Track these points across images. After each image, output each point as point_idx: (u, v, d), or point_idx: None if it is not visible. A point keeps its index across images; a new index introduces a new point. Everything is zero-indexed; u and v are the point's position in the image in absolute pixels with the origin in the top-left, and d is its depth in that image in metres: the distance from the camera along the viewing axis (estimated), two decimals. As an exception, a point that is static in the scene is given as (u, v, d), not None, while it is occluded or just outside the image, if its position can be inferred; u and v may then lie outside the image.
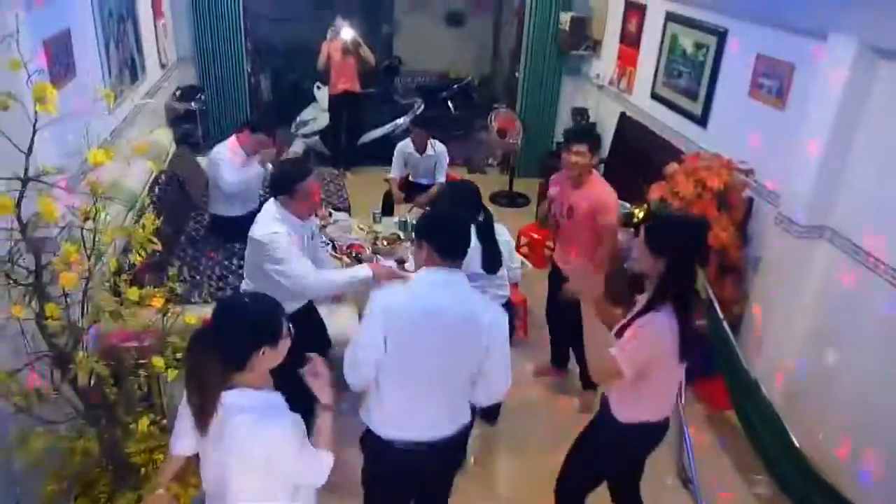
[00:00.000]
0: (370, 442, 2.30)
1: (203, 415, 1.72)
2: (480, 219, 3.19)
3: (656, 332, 2.21)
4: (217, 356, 1.70)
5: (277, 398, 1.83)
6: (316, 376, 1.93)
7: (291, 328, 1.84)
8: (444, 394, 2.23)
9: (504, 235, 3.34)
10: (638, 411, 2.41)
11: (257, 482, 1.78)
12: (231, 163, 4.30)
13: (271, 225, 2.82)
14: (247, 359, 1.73)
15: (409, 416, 2.22)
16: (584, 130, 3.62)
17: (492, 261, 3.16)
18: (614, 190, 3.49)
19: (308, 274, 2.84)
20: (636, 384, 2.29)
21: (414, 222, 4.69)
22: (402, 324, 2.10)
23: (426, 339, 2.12)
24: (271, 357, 1.77)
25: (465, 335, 2.14)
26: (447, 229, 2.22)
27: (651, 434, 2.48)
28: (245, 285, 3.13)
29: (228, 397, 1.72)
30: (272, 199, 2.93)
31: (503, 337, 2.19)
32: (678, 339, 2.21)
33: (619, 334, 2.27)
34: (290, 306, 3.01)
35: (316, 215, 3.41)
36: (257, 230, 2.84)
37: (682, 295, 2.22)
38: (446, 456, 2.38)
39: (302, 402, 1.92)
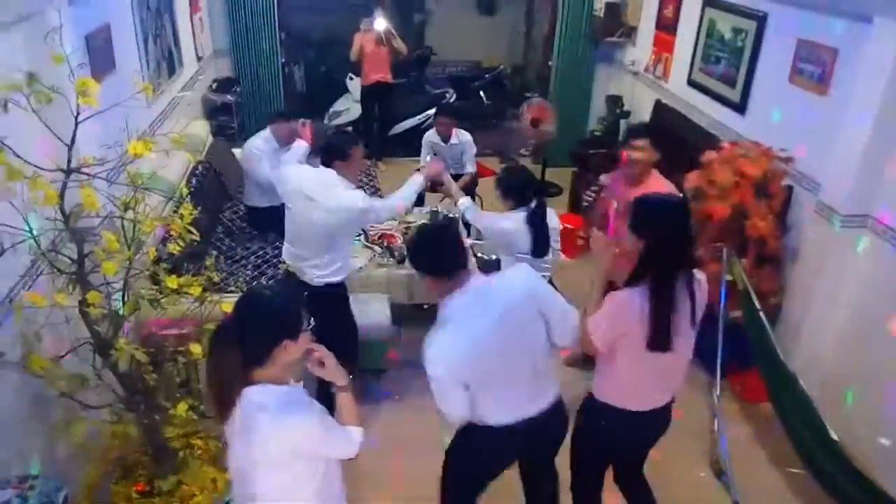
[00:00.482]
0: (474, 431, 2.29)
1: (222, 406, 1.74)
2: (533, 205, 3.27)
3: (621, 307, 2.20)
4: (238, 351, 1.70)
5: (298, 392, 1.83)
6: (322, 366, 1.92)
7: (312, 321, 1.83)
8: (531, 372, 2.23)
9: (553, 221, 3.39)
10: (605, 390, 2.39)
11: (281, 478, 1.79)
12: (265, 155, 4.38)
13: (349, 191, 3.13)
14: (268, 353, 1.72)
15: (517, 401, 2.24)
16: (644, 126, 3.53)
17: (540, 246, 3.26)
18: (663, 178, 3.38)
19: (384, 204, 3.43)
20: (602, 360, 2.34)
21: (446, 213, 4.70)
22: (470, 366, 2.10)
23: (493, 356, 2.12)
24: (293, 350, 1.76)
25: (519, 321, 2.16)
26: (428, 253, 2.20)
27: (623, 422, 2.38)
28: (307, 254, 3.25)
29: (250, 393, 1.73)
30: (324, 170, 3.14)
31: (543, 287, 2.25)
32: (647, 324, 2.15)
33: None
34: (340, 276, 3.31)
35: None
36: (349, 202, 3.09)
37: (661, 278, 2.16)
38: (553, 423, 2.37)
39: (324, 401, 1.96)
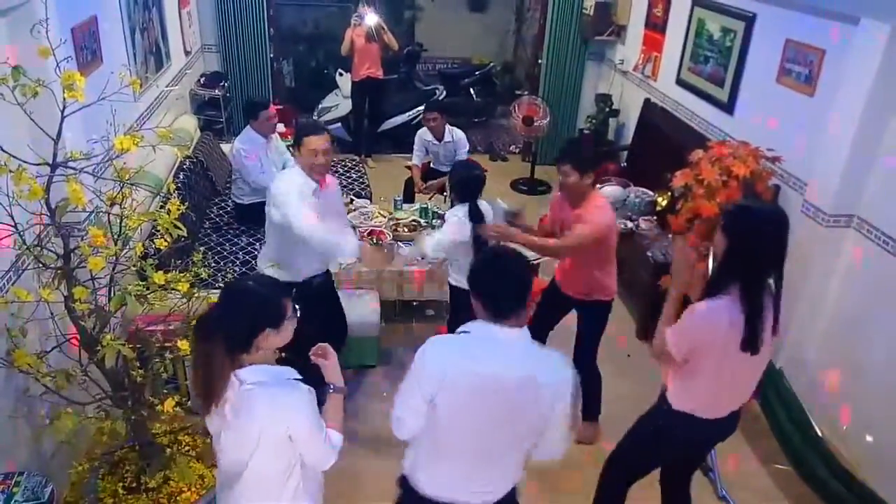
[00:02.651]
0: (410, 493, 2.09)
1: (209, 397, 1.74)
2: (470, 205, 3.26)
3: (709, 318, 2.15)
4: (222, 340, 1.73)
5: (289, 371, 1.86)
6: (326, 358, 1.95)
7: (297, 309, 1.86)
8: (502, 460, 2.01)
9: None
10: (685, 399, 2.36)
11: (275, 465, 1.81)
12: (255, 155, 4.38)
13: (286, 175, 3.10)
14: (250, 341, 1.76)
15: (461, 480, 2.01)
16: (570, 148, 3.39)
17: (479, 243, 3.22)
18: (606, 204, 3.18)
19: (305, 222, 2.93)
20: (683, 369, 2.27)
21: (435, 209, 4.70)
22: (457, 389, 1.87)
23: (483, 407, 1.88)
24: (276, 338, 1.80)
25: (523, 403, 1.89)
26: (492, 280, 1.91)
27: (699, 428, 2.37)
28: (264, 250, 3.29)
29: (242, 374, 1.76)
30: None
31: (565, 401, 1.93)
32: (739, 329, 2.12)
33: None
34: (311, 270, 3.21)
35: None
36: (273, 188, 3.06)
37: (749, 284, 2.13)
38: None
39: (311, 383, 1.92)
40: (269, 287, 1.86)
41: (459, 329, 1.96)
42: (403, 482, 2.13)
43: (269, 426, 1.75)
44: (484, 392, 1.86)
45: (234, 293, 1.85)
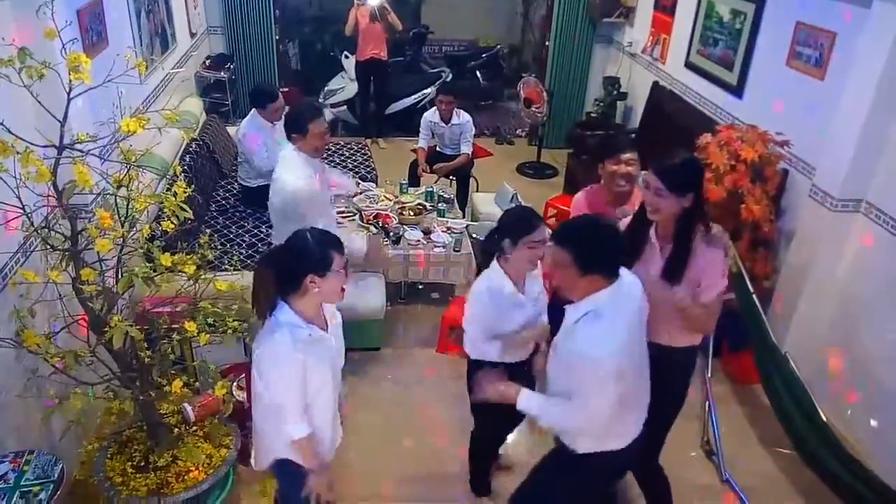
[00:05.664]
0: (594, 461, 2.20)
1: (259, 315, 2.07)
2: None
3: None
4: (273, 273, 1.99)
5: (298, 330, 2.00)
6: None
7: (346, 270, 2.04)
8: (647, 374, 2.23)
9: None
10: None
11: (258, 387, 2.07)
12: (261, 138, 4.37)
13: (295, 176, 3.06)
14: (296, 282, 1.97)
15: (640, 414, 2.22)
16: (627, 136, 3.15)
17: None
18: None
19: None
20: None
21: (441, 193, 4.69)
22: (628, 355, 2.03)
23: (636, 347, 2.12)
24: (322, 285, 1.97)
25: (643, 318, 2.17)
26: (602, 251, 2.05)
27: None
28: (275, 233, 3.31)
29: (277, 310, 2.02)
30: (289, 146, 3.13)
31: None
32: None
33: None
34: None
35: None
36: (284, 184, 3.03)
37: (707, 225, 2.36)
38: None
39: None
40: (318, 238, 2.02)
41: (579, 315, 2.05)
42: (583, 460, 2.20)
43: (255, 356, 2.06)
44: (637, 344, 2.11)
45: (295, 237, 2.04)
